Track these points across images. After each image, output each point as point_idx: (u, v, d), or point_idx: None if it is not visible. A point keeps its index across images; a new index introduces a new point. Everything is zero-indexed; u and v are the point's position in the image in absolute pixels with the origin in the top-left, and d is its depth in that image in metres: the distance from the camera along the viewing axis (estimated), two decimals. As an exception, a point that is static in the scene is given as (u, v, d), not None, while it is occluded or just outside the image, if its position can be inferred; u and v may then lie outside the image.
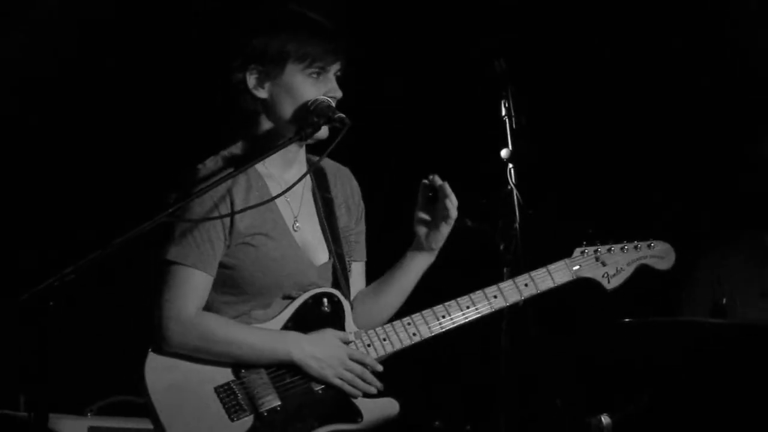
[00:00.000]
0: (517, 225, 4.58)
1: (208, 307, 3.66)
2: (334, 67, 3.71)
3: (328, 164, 3.91)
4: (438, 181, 3.81)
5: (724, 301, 4.45)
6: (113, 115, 5.61)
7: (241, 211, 3.61)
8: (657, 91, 5.59)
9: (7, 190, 5.54)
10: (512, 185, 4.60)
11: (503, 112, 4.65)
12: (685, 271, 4.70)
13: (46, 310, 3.21)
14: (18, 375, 5.01)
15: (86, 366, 5.44)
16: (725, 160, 5.42)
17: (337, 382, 3.66)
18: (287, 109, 3.68)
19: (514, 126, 4.64)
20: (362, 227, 3.93)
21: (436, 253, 3.87)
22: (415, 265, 3.87)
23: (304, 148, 3.80)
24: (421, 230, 3.85)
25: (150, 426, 3.59)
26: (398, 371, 3.85)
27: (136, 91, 5.59)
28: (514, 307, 3.91)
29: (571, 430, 4.64)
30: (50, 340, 3.23)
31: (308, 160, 3.84)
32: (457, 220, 3.85)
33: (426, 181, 3.84)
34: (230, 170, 3.65)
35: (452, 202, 3.80)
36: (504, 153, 4.64)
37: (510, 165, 4.62)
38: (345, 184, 3.91)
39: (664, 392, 4.11)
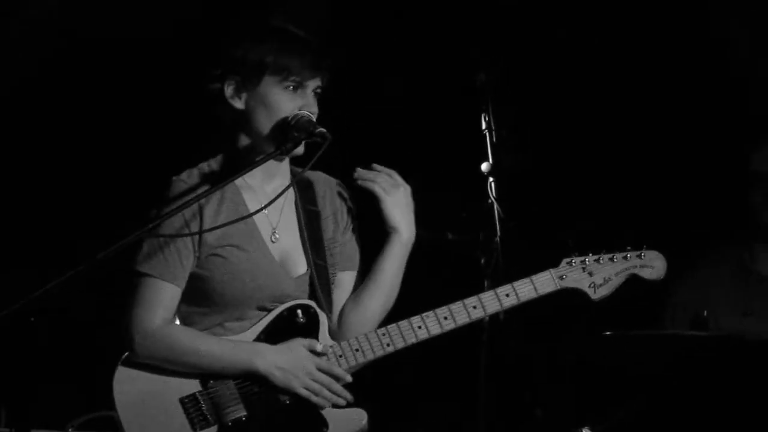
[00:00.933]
0: (497, 238, 4.59)
1: (183, 319, 3.68)
2: (313, 84, 3.70)
3: (318, 177, 3.89)
4: (360, 173, 3.80)
5: (705, 313, 4.45)
6: (95, 126, 5.60)
7: (211, 230, 3.62)
8: (642, 100, 5.59)
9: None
10: (493, 199, 4.62)
11: (483, 126, 4.67)
12: (666, 288, 4.71)
13: (28, 326, 3.22)
14: (-1, 390, 5.00)
15: (68, 381, 5.42)
16: (713, 174, 5.43)
17: (303, 392, 3.65)
18: (263, 122, 3.68)
19: (494, 139, 4.66)
20: (348, 236, 3.88)
21: (402, 231, 3.79)
22: (387, 252, 3.79)
23: (287, 159, 3.79)
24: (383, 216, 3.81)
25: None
26: (380, 383, 3.84)
27: (122, 101, 5.58)
28: (494, 318, 3.90)
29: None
30: (32, 356, 3.23)
31: (292, 172, 3.83)
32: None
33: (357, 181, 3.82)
34: (205, 187, 3.66)
35: (369, 176, 3.78)
36: (484, 167, 4.66)
37: (490, 179, 4.64)
38: (334, 197, 3.88)
39: (646, 404, 4.11)
